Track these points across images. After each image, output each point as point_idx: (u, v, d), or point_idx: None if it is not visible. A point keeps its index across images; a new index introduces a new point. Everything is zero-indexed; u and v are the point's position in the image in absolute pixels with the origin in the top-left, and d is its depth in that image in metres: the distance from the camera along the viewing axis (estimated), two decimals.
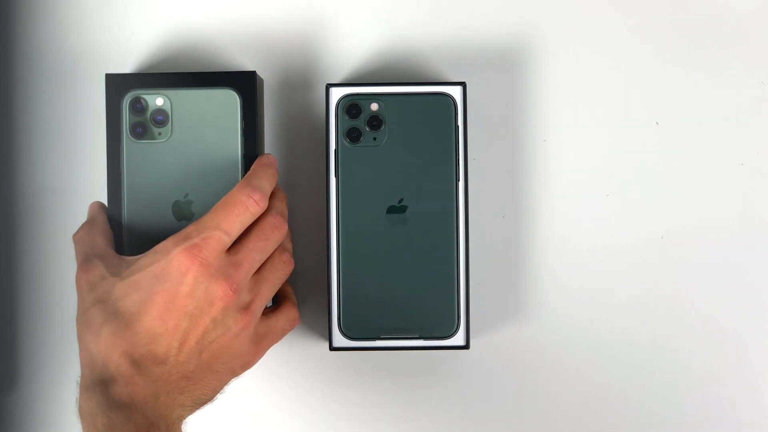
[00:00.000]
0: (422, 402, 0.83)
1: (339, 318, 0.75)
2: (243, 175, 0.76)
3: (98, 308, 0.66)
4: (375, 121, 0.73)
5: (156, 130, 0.77)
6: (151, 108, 0.77)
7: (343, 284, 0.74)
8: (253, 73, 0.78)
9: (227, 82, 0.77)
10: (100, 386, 0.63)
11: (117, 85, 0.77)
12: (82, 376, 0.65)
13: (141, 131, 0.77)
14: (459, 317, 0.74)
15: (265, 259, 0.71)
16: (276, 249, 0.72)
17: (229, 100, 0.77)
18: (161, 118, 0.77)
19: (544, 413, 0.85)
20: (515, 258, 0.84)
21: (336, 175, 0.74)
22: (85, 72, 0.82)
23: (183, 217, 0.77)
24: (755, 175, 0.85)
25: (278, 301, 0.76)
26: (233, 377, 0.71)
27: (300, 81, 0.83)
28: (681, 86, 0.85)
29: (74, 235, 0.73)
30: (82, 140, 0.82)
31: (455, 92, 0.74)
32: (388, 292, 0.74)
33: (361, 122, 0.74)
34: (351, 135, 0.74)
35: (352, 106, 0.74)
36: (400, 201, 0.73)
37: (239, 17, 0.83)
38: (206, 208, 0.77)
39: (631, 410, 0.85)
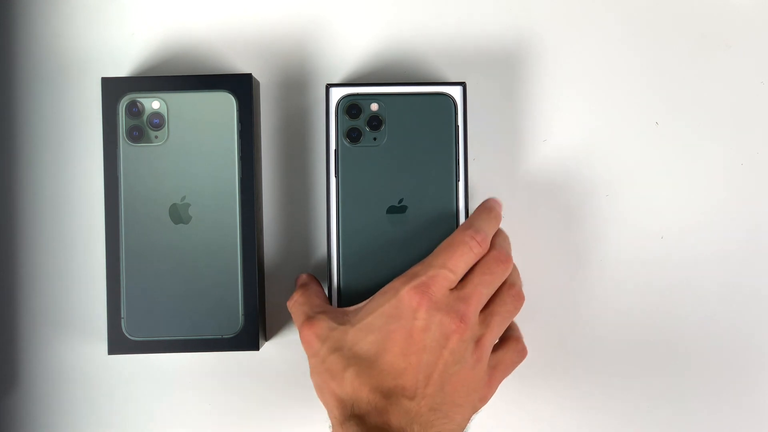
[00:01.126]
0: None
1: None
2: (239, 178, 0.77)
3: (336, 356, 0.67)
4: (375, 121, 0.73)
5: (152, 134, 0.77)
6: (147, 111, 0.77)
7: (344, 285, 0.73)
8: (249, 75, 0.77)
9: (223, 84, 0.77)
10: (355, 419, 0.65)
11: (113, 88, 0.77)
12: (333, 417, 0.68)
13: (137, 134, 0.77)
14: None
15: (491, 293, 0.71)
16: (504, 284, 0.72)
17: (225, 103, 0.77)
18: (157, 121, 0.77)
19: (543, 415, 0.85)
20: (515, 258, 0.84)
21: (336, 175, 0.73)
22: (81, 75, 0.82)
23: (180, 220, 0.77)
24: (755, 175, 0.84)
25: (503, 335, 0.76)
26: (474, 412, 0.71)
27: (297, 82, 0.82)
28: (681, 86, 0.84)
29: (288, 302, 0.75)
30: (78, 144, 0.82)
31: (455, 92, 0.74)
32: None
33: (361, 122, 0.73)
34: (351, 135, 0.73)
35: (352, 106, 0.73)
36: (401, 201, 0.73)
37: (235, 20, 0.83)
38: (203, 211, 0.77)
39: (630, 411, 0.85)
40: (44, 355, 0.83)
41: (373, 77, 0.82)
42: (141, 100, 0.77)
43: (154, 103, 0.77)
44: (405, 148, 0.73)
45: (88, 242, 0.82)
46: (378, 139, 0.73)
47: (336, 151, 0.73)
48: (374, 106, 0.73)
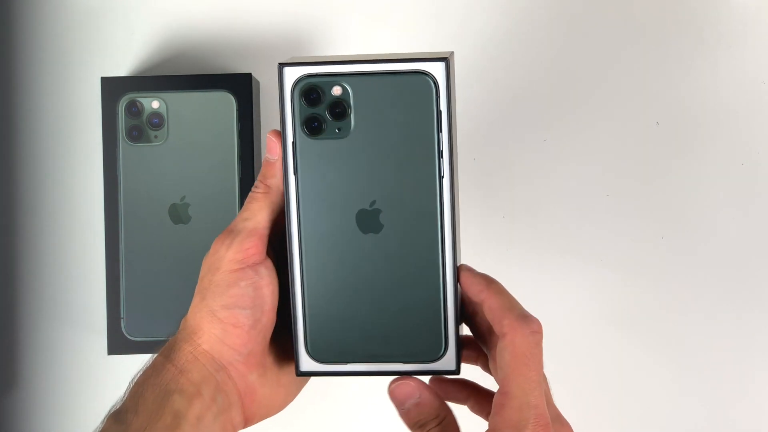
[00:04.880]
0: None
1: (306, 338, 0.61)
2: (239, 178, 0.77)
3: None
4: (338, 108, 0.59)
5: (152, 133, 0.77)
6: (146, 111, 0.77)
7: (309, 300, 0.61)
8: (249, 75, 0.78)
9: (223, 84, 0.77)
10: None
11: (112, 88, 0.77)
12: None
13: (137, 134, 0.77)
14: (447, 337, 0.61)
15: None
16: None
17: (224, 103, 0.77)
18: (157, 121, 0.77)
19: None
20: (515, 258, 0.84)
21: (295, 173, 0.60)
22: (81, 75, 0.82)
23: (180, 219, 0.77)
24: (755, 175, 0.84)
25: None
26: None
27: None
28: (681, 86, 0.84)
29: None
30: (78, 143, 0.82)
31: (436, 70, 0.58)
32: (362, 309, 0.61)
33: (321, 110, 0.59)
34: (310, 125, 0.59)
35: (310, 90, 0.59)
36: (372, 204, 0.60)
37: (234, 20, 0.83)
38: (203, 211, 0.77)
39: (631, 411, 0.85)
40: (44, 355, 0.83)
41: None
42: (140, 99, 0.77)
43: (153, 103, 0.77)
44: (376, 140, 0.60)
45: (88, 242, 0.82)
46: (342, 130, 0.59)
47: (294, 143, 0.60)
48: (336, 90, 0.59)
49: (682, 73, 0.84)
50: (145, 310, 0.77)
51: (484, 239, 0.83)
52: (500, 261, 0.84)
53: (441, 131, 0.59)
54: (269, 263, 0.60)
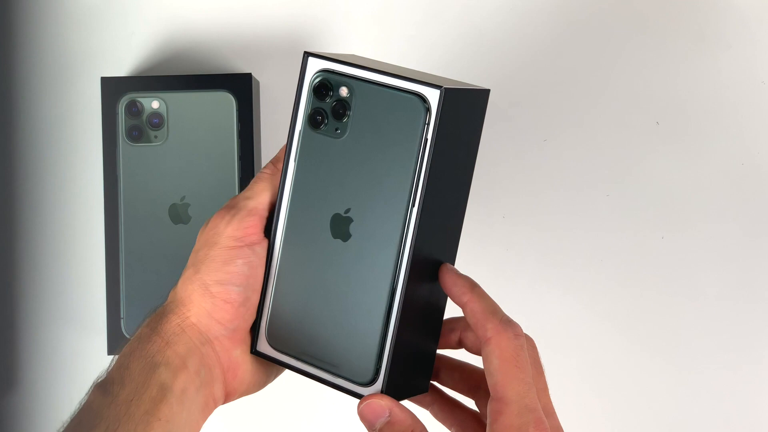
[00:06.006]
0: None
1: (267, 320, 0.62)
2: (239, 178, 0.77)
3: None
4: (341, 109, 0.59)
5: (152, 133, 0.77)
6: (146, 111, 0.77)
7: (277, 285, 0.62)
8: (249, 75, 0.78)
9: (223, 84, 0.77)
10: None
11: (112, 88, 0.77)
12: None
13: (137, 134, 0.77)
14: (380, 365, 0.59)
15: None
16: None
17: (224, 103, 0.77)
18: (157, 121, 0.77)
19: None
20: (515, 258, 0.84)
21: (295, 160, 0.61)
22: (81, 75, 0.82)
23: (180, 219, 0.77)
24: (755, 175, 0.84)
25: None
26: None
27: (296, 83, 0.82)
28: (681, 86, 0.84)
29: None
30: (78, 143, 0.82)
31: (431, 96, 0.56)
32: (317, 310, 0.61)
33: (327, 106, 0.59)
34: (314, 118, 0.60)
35: (321, 85, 0.59)
36: (347, 211, 0.59)
37: (235, 20, 0.83)
38: (203, 211, 0.77)
39: (631, 411, 0.85)
40: (44, 355, 0.83)
41: None
42: (140, 99, 0.77)
43: (153, 103, 0.77)
44: (364, 150, 0.59)
45: (88, 242, 0.82)
46: (340, 131, 0.59)
47: (300, 132, 0.60)
48: (343, 91, 0.59)
49: (682, 72, 0.84)
50: (145, 310, 0.77)
51: (483, 239, 0.83)
52: (500, 261, 0.84)
53: (423, 160, 0.56)
54: (266, 244, 0.61)
